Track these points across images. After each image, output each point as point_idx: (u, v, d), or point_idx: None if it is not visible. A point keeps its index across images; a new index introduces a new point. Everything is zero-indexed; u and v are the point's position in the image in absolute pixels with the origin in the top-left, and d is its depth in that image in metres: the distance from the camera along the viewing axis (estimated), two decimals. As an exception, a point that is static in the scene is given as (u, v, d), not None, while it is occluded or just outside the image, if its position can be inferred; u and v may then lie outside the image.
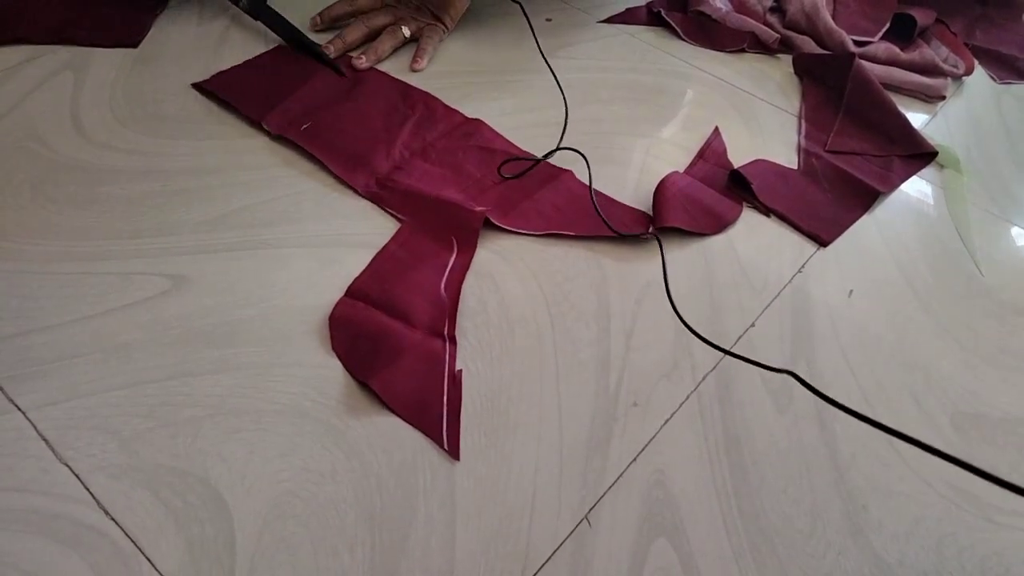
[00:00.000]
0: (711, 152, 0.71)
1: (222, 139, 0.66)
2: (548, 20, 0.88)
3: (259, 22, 0.77)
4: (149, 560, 0.40)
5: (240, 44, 0.78)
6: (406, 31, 0.78)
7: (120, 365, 0.48)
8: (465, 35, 0.83)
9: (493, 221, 0.60)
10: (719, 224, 0.63)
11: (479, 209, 0.59)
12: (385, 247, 0.57)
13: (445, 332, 0.52)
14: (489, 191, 0.63)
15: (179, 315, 0.52)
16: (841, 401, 0.52)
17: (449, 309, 0.53)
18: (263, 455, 0.45)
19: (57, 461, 0.43)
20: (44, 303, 0.51)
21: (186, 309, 0.52)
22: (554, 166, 0.67)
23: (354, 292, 0.54)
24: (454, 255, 0.57)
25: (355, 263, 0.56)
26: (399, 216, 0.60)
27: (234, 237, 0.57)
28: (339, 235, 0.59)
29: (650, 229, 0.61)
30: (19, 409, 0.45)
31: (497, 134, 0.70)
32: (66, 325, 0.50)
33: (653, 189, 0.65)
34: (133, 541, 0.40)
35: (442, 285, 0.55)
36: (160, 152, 0.64)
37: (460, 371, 0.50)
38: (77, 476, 0.43)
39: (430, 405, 0.48)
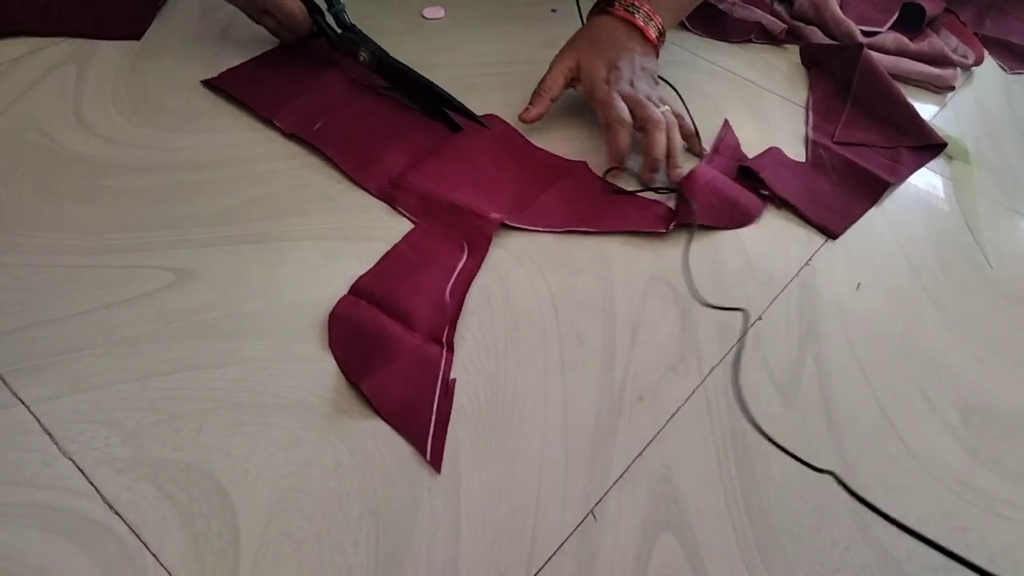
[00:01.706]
0: (725, 146, 0.70)
1: (225, 132, 0.66)
2: (553, 10, 0.87)
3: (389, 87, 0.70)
4: (153, 555, 0.40)
5: (243, 36, 0.77)
6: None
7: (123, 359, 0.48)
8: (470, 27, 0.83)
9: (510, 224, 0.59)
10: (744, 220, 0.63)
11: (494, 216, 0.59)
12: (396, 246, 0.57)
13: (444, 338, 0.51)
14: (504, 187, 0.63)
15: (183, 309, 0.51)
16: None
17: (451, 314, 0.52)
18: (267, 449, 0.44)
19: (61, 455, 0.43)
20: (47, 296, 0.51)
21: (190, 303, 0.52)
22: (567, 160, 0.67)
23: (358, 290, 0.53)
24: (464, 259, 0.56)
25: (360, 257, 0.56)
26: (412, 218, 0.59)
27: (238, 230, 0.57)
28: (344, 228, 0.58)
29: (672, 225, 0.61)
30: (23, 403, 0.45)
31: (513, 129, 0.69)
32: (69, 319, 0.50)
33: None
34: (137, 535, 0.40)
35: (448, 289, 0.54)
36: (163, 145, 0.64)
37: (454, 380, 0.49)
38: (81, 470, 0.43)
39: (419, 412, 0.47)
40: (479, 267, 0.56)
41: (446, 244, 0.57)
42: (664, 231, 0.61)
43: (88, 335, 0.49)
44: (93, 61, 0.72)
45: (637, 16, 0.68)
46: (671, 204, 0.63)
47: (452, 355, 0.50)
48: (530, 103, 0.68)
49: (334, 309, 0.52)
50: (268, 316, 0.52)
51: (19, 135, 0.63)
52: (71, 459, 0.43)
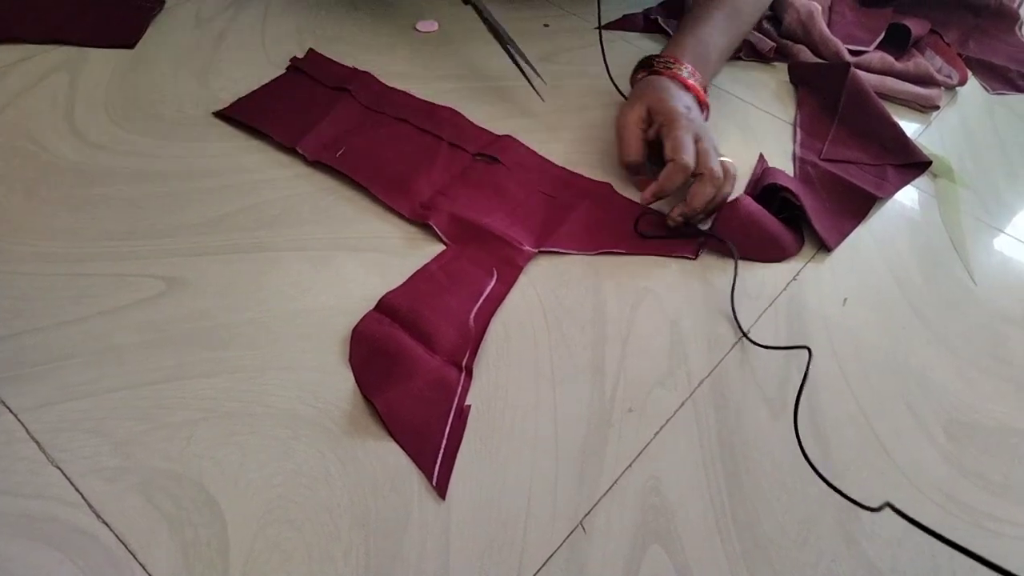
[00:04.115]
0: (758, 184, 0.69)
1: (218, 141, 0.66)
2: (545, 26, 0.88)
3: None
4: (142, 565, 0.39)
5: (237, 46, 0.78)
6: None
7: (113, 367, 0.48)
8: (463, 41, 0.84)
9: (543, 249, 0.59)
10: (780, 255, 0.62)
11: (527, 249, 0.59)
12: (425, 267, 0.57)
13: (464, 363, 0.51)
14: (533, 211, 0.63)
15: (174, 317, 0.51)
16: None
17: (473, 340, 0.52)
18: (257, 459, 0.44)
19: (49, 463, 0.43)
20: (37, 304, 0.51)
21: (181, 311, 0.52)
22: (593, 180, 0.67)
23: (383, 307, 0.53)
24: (492, 284, 0.56)
25: (350, 266, 0.56)
26: (445, 239, 0.59)
27: (229, 239, 0.57)
28: (335, 238, 0.59)
29: (699, 253, 0.61)
30: (10, 411, 0.45)
31: (531, 150, 0.69)
32: (59, 326, 0.50)
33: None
34: (125, 545, 0.40)
35: (472, 314, 0.54)
36: (155, 153, 0.64)
37: (468, 407, 0.49)
38: (69, 479, 0.42)
39: (429, 436, 0.47)
40: (506, 294, 0.56)
41: (476, 268, 0.57)
42: (693, 257, 0.61)
43: (78, 343, 0.49)
44: (85, 69, 0.72)
45: (684, 73, 0.68)
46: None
47: (470, 381, 0.50)
48: (627, 169, 0.67)
49: (358, 324, 0.52)
50: (259, 325, 0.52)
51: (10, 142, 0.63)
52: (59, 468, 0.43)
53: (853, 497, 0.44)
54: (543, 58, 0.82)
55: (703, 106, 0.70)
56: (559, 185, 0.66)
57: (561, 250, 0.60)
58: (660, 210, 0.63)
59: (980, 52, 0.94)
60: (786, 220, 0.64)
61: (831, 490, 0.47)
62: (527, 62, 0.73)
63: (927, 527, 0.39)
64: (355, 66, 0.76)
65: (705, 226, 0.64)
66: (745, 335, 0.55)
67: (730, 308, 0.57)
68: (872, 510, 0.42)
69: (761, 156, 0.72)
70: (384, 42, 0.81)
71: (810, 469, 0.48)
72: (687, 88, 0.68)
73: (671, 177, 0.61)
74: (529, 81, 0.72)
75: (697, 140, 0.63)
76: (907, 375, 0.55)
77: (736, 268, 0.59)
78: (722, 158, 0.63)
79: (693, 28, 0.73)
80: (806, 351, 0.54)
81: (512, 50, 0.73)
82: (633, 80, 0.73)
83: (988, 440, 0.52)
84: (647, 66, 0.71)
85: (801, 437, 0.50)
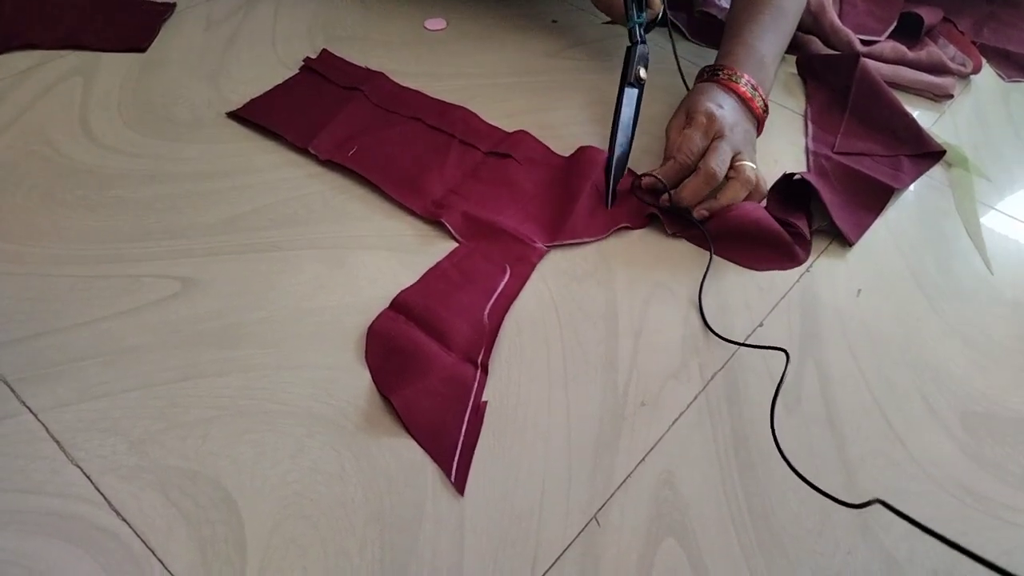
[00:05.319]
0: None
1: (230, 142, 0.66)
2: (554, 22, 0.88)
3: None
4: (160, 561, 0.40)
5: (248, 47, 0.78)
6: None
7: (130, 367, 0.49)
8: (471, 39, 0.84)
9: (556, 244, 0.60)
10: (787, 262, 0.61)
11: (539, 246, 0.59)
12: (438, 264, 0.57)
13: (479, 360, 0.51)
14: (544, 207, 0.63)
15: (188, 317, 0.52)
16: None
17: (488, 336, 0.52)
18: (272, 456, 0.45)
19: (68, 462, 0.44)
20: (54, 306, 0.52)
21: (195, 311, 0.52)
22: (589, 153, 0.66)
23: (397, 305, 0.54)
24: (505, 280, 0.56)
25: (364, 265, 0.57)
26: (457, 236, 0.59)
27: (243, 239, 0.58)
28: (348, 237, 0.59)
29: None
30: (31, 411, 0.46)
31: (541, 144, 0.69)
32: (76, 328, 0.50)
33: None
34: (144, 542, 0.41)
35: (487, 310, 0.54)
36: (169, 155, 0.64)
37: (485, 403, 0.49)
38: (88, 477, 0.43)
39: (447, 432, 0.47)
40: (520, 290, 0.56)
41: (489, 265, 0.57)
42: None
43: (95, 344, 0.50)
44: (99, 73, 0.73)
45: (740, 83, 0.66)
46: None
47: (486, 377, 0.50)
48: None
49: (373, 323, 0.52)
50: (273, 324, 0.52)
51: (26, 147, 0.64)
52: (78, 466, 0.43)
53: (857, 491, 0.44)
54: (550, 55, 0.82)
55: (757, 119, 0.68)
56: (566, 175, 0.66)
57: (574, 240, 0.60)
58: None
59: (994, 40, 0.93)
60: (794, 229, 0.63)
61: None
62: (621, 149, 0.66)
63: (919, 522, 0.39)
64: (367, 66, 0.76)
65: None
66: (715, 332, 0.55)
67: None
68: (856, 506, 0.41)
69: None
70: (394, 41, 0.82)
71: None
72: (735, 94, 0.66)
73: (664, 171, 0.63)
74: (611, 146, 0.66)
75: (714, 138, 0.62)
76: (922, 366, 0.55)
77: (709, 264, 0.59)
78: (744, 163, 0.62)
79: (740, 34, 0.71)
80: (783, 353, 0.52)
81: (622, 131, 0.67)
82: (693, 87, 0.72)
83: (1005, 431, 0.51)
84: (701, 76, 0.70)
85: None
